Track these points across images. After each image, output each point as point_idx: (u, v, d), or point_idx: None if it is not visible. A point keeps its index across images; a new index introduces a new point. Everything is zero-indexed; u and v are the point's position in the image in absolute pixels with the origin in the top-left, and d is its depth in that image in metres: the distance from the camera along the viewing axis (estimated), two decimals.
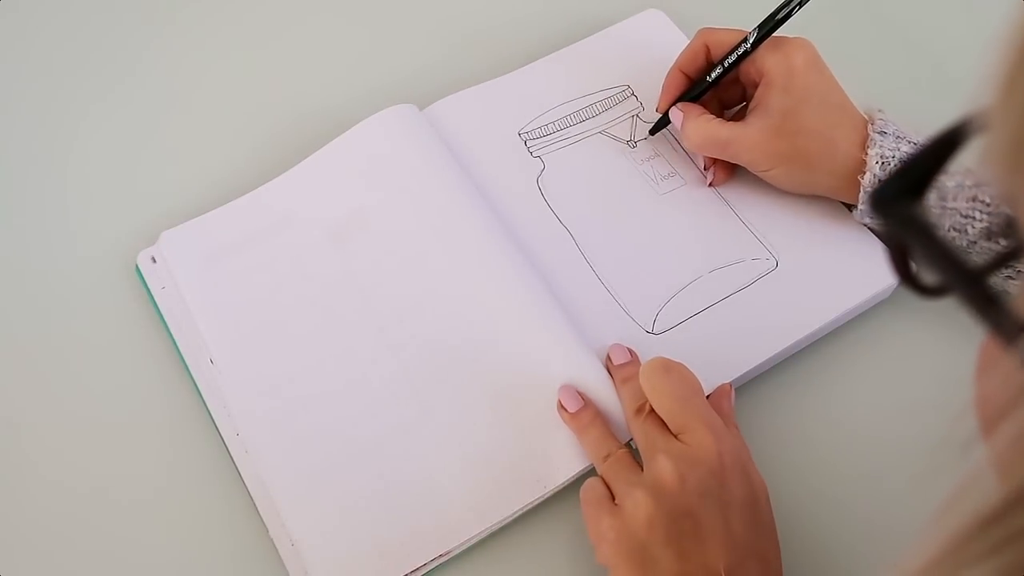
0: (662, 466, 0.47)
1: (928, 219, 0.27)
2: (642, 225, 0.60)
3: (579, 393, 0.53)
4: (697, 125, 0.59)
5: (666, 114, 0.61)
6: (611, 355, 0.54)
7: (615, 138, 0.64)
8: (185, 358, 0.56)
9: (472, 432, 0.53)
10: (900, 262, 0.28)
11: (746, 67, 0.59)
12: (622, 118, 0.64)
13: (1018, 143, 0.24)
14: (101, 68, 0.69)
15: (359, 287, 0.58)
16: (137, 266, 0.59)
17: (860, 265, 0.58)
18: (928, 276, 0.27)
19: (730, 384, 0.54)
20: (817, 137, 0.56)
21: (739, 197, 0.61)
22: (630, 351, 0.55)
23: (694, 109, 0.60)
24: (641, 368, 0.51)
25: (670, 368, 0.50)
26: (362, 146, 0.62)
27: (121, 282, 0.60)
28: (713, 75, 0.59)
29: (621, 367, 0.54)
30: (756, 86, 0.59)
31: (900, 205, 0.27)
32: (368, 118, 0.62)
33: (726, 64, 0.59)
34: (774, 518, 0.48)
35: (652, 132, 0.63)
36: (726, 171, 0.61)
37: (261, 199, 0.61)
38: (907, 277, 0.28)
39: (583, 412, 0.53)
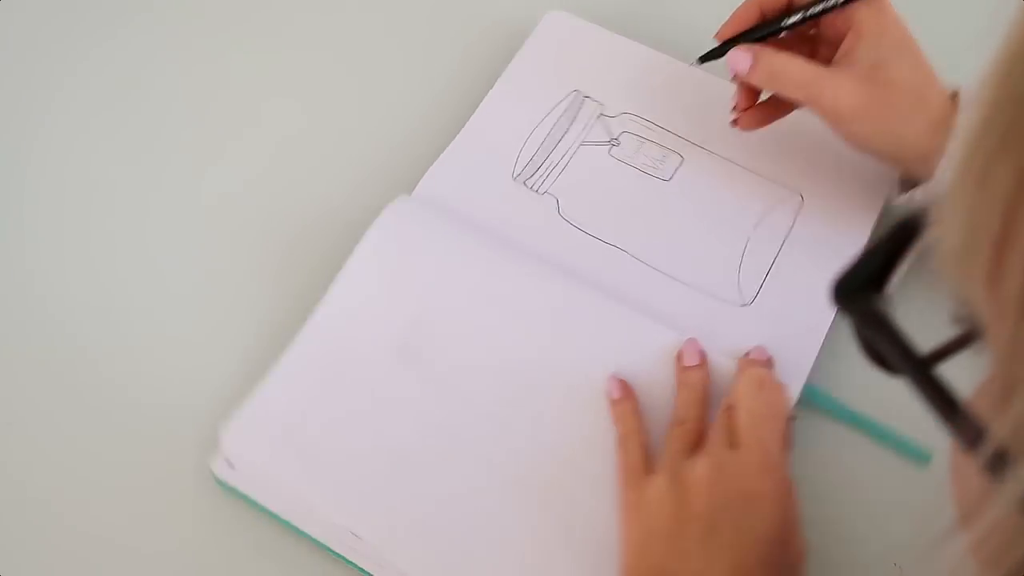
0: (700, 466, 0.47)
1: (886, 314, 0.28)
2: (670, 212, 0.61)
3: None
4: (775, 57, 0.54)
5: (723, 45, 0.56)
6: (683, 353, 0.53)
7: (597, 143, 0.64)
8: (322, 541, 0.52)
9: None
10: (867, 345, 0.29)
11: (832, 19, 0.54)
12: (590, 123, 0.64)
13: (966, 251, 0.24)
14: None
15: (440, 399, 0.55)
16: (217, 477, 0.54)
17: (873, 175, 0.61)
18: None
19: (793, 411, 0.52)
20: (909, 92, 0.52)
21: (735, 150, 0.63)
22: (700, 354, 0.53)
23: (767, 48, 0.55)
24: (739, 370, 0.51)
25: (764, 385, 0.50)
26: (380, 257, 0.58)
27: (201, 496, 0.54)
28: (791, 20, 0.54)
29: (687, 371, 0.53)
30: (838, 42, 0.55)
31: (860, 298, 0.28)
32: (372, 225, 0.58)
33: (811, 12, 0.54)
34: None
35: (702, 60, 0.58)
36: (764, 117, 0.58)
37: (304, 350, 0.56)
38: (876, 359, 0.29)
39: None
